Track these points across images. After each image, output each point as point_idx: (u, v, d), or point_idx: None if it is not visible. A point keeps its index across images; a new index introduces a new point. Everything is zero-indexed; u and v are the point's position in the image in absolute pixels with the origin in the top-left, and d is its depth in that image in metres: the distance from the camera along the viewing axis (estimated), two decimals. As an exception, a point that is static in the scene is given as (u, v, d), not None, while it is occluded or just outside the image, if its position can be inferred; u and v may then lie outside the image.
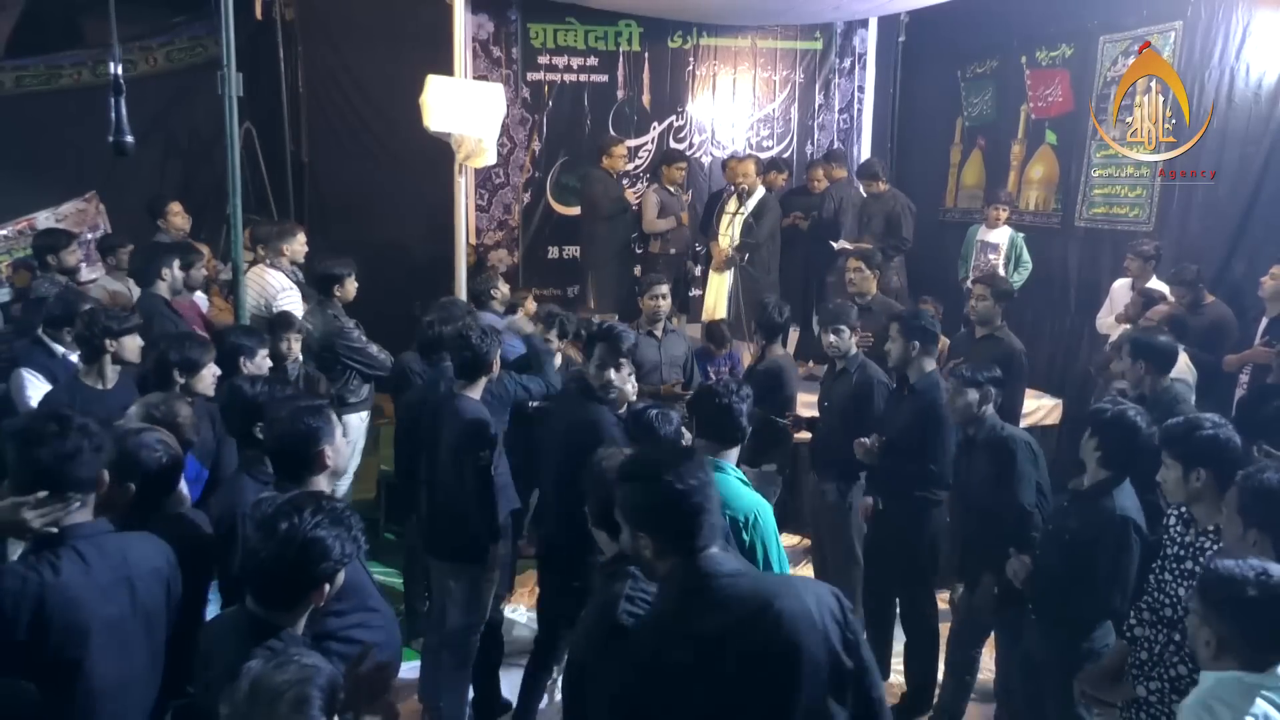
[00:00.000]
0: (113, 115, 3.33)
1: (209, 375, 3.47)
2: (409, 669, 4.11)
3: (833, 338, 4.36)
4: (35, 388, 3.89)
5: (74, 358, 4.10)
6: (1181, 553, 2.78)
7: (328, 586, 1.98)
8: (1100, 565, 2.96)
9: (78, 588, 2.04)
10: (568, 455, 3.26)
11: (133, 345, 3.71)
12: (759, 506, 2.75)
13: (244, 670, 1.62)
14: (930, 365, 3.96)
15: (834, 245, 6.96)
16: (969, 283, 6.77)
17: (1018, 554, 3.23)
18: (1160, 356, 3.94)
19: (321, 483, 2.50)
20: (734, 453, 2.97)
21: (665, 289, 5.31)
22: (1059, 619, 3.09)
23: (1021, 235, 6.98)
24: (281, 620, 1.95)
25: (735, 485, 2.79)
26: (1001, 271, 6.80)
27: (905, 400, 4.01)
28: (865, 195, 7.18)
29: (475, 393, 3.62)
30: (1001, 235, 6.95)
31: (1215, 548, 2.68)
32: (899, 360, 3.99)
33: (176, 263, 4.82)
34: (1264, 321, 4.94)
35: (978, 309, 4.88)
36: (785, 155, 8.15)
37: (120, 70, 3.35)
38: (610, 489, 2.03)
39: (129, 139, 3.40)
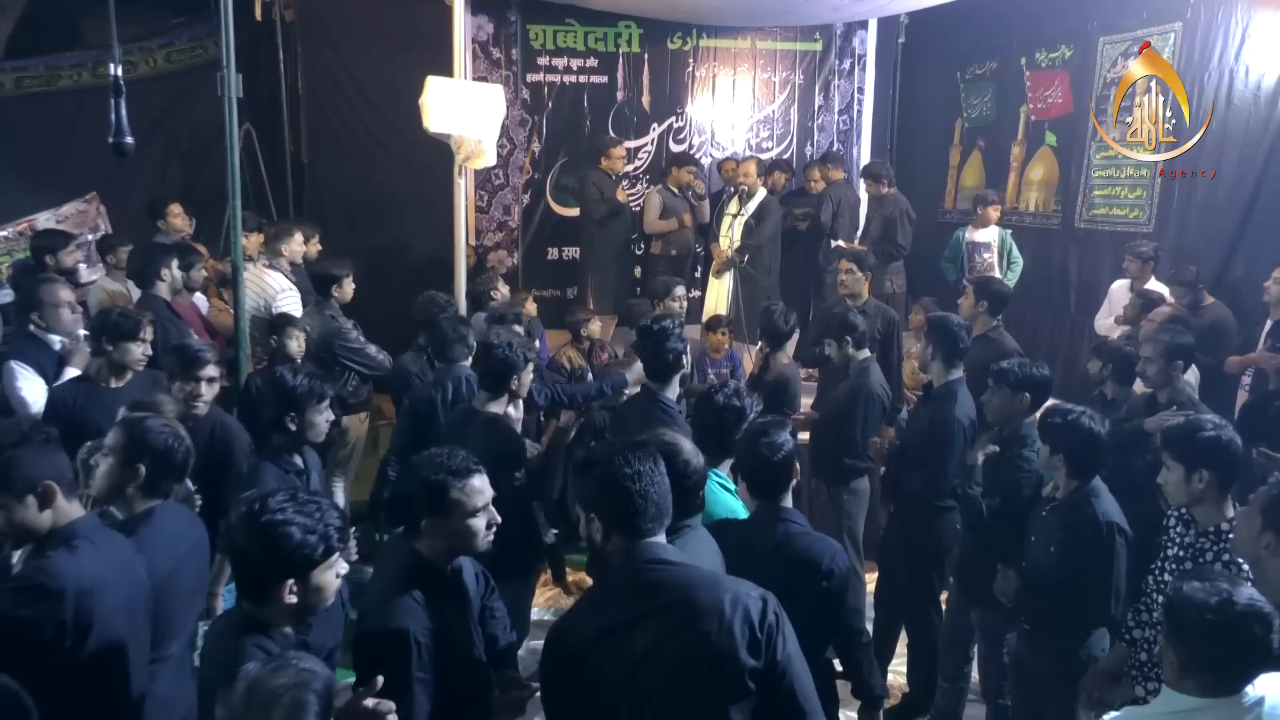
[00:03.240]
0: (113, 117, 3.33)
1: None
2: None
3: (828, 349, 4.40)
4: (24, 379, 3.90)
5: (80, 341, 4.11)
6: (1182, 554, 2.78)
7: (292, 582, 1.91)
8: (1094, 573, 2.96)
9: (104, 573, 2.12)
10: None
11: (135, 351, 3.66)
12: (731, 512, 2.79)
13: (241, 673, 1.63)
14: (953, 374, 3.88)
15: (833, 244, 6.97)
16: (965, 282, 6.80)
17: (1004, 570, 3.21)
18: (1188, 356, 3.99)
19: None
20: (728, 461, 2.97)
21: (682, 291, 5.35)
22: (1053, 628, 3.08)
23: (1009, 232, 6.98)
24: (264, 615, 1.94)
25: (713, 490, 2.82)
26: (996, 271, 6.81)
27: (923, 406, 4.00)
28: (868, 197, 7.18)
29: (499, 407, 3.57)
30: (991, 234, 6.94)
31: (1215, 549, 2.68)
32: (924, 364, 3.98)
33: (175, 263, 4.82)
34: (1268, 325, 4.94)
35: (962, 309, 4.88)
36: (785, 156, 8.15)
37: (120, 72, 3.35)
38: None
39: (129, 140, 3.40)
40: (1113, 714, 2.21)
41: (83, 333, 4.17)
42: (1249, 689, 1.94)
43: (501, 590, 3.50)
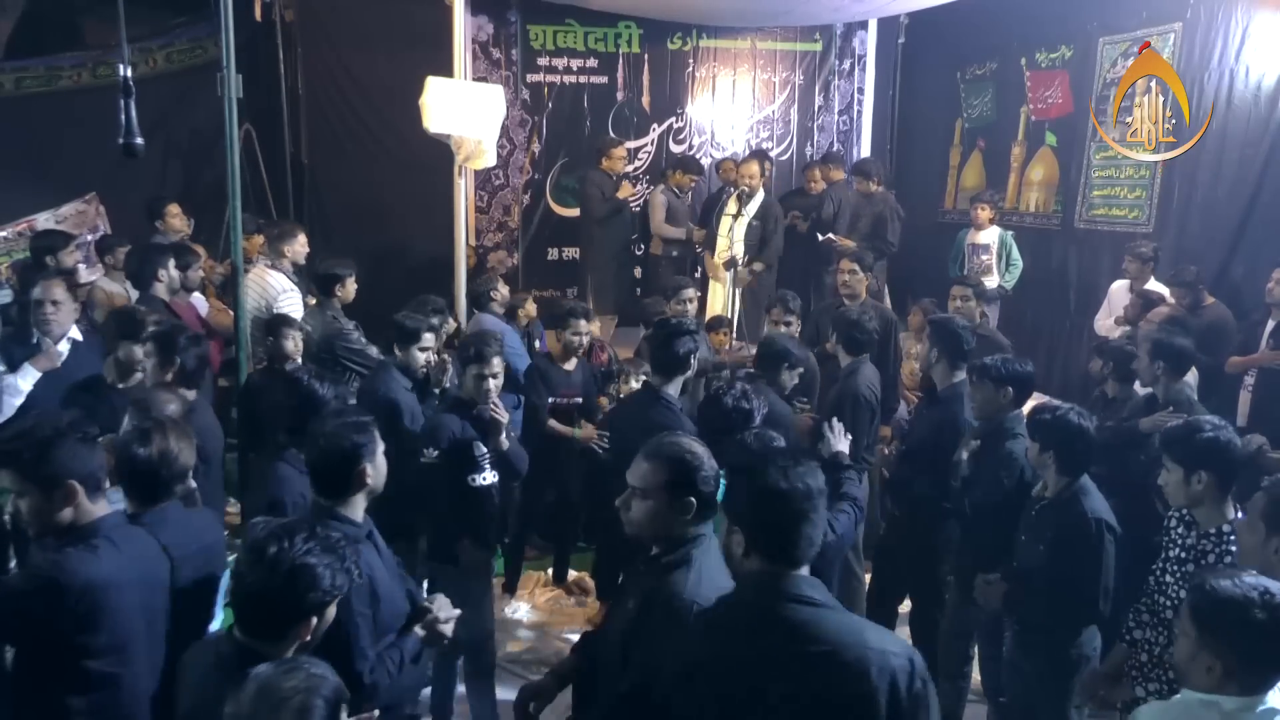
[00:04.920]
0: (122, 117, 3.31)
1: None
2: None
3: (829, 348, 4.41)
4: None
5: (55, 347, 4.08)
6: (1183, 555, 2.78)
7: (315, 620, 1.91)
8: (1083, 571, 2.95)
9: (119, 573, 2.13)
10: None
11: (136, 352, 3.64)
12: None
13: (251, 674, 1.63)
14: (958, 375, 3.85)
15: (820, 238, 6.96)
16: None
17: (984, 576, 3.21)
18: (1178, 359, 3.96)
19: (360, 501, 2.45)
20: None
21: (692, 293, 5.35)
22: (1044, 627, 3.07)
23: (1010, 234, 7.00)
24: (267, 652, 1.86)
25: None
26: (994, 272, 6.82)
27: (928, 409, 3.98)
28: (859, 195, 7.19)
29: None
30: (991, 235, 6.97)
31: (1217, 551, 2.68)
32: (926, 366, 3.97)
33: (172, 263, 4.82)
34: (1270, 325, 4.94)
35: (961, 310, 4.88)
36: (784, 156, 8.16)
37: (129, 73, 3.35)
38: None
39: (139, 141, 3.38)
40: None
41: (77, 336, 4.16)
42: (1269, 695, 1.87)
43: (441, 575, 3.57)
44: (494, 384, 3.61)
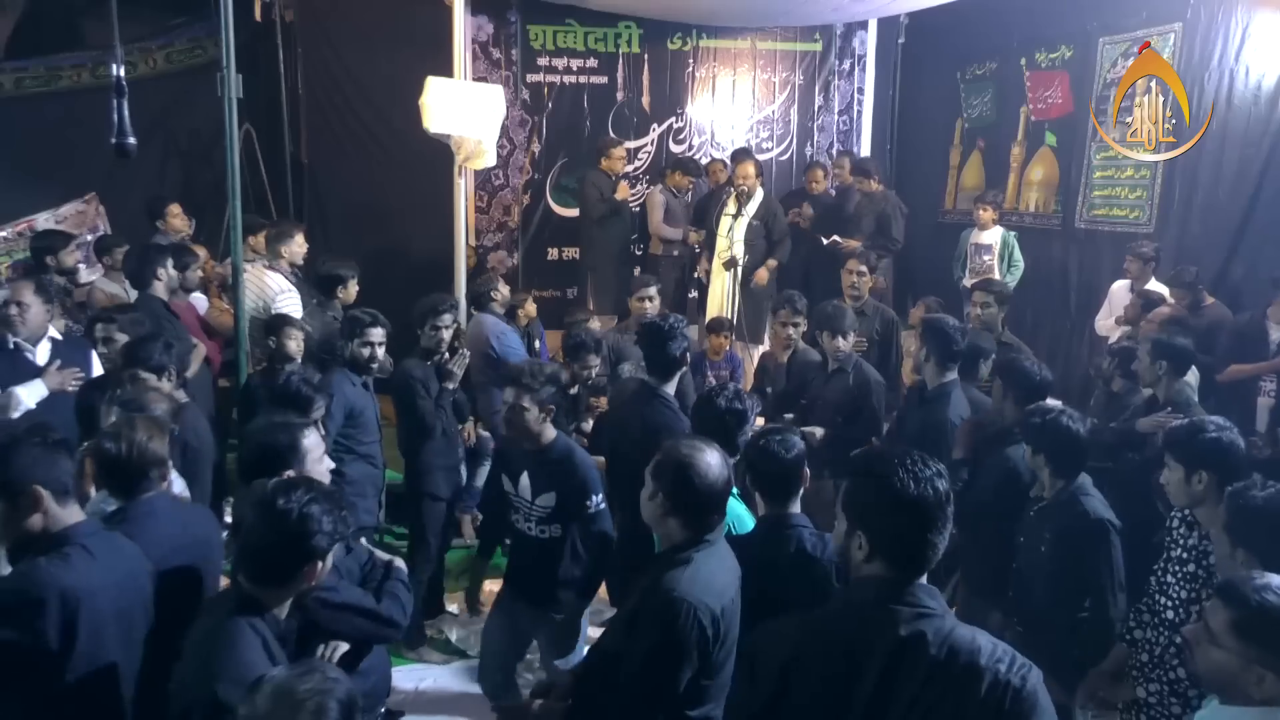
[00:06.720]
0: (115, 117, 3.33)
1: None
2: (406, 674, 4.12)
3: (839, 342, 4.40)
4: None
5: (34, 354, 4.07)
6: (1185, 555, 2.78)
7: (320, 565, 2.05)
8: (1083, 570, 2.95)
9: (94, 582, 2.10)
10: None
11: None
12: (736, 518, 2.75)
13: (266, 677, 1.67)
14: (948, 375, 3.89)
15: (825, 241, 6.96)
16: (965, 283, 6.81)
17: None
18: (1180, 359, 3.96)
19: None
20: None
21: (653, 290, 5.37)
22: (1045, 628, 3.06)
23: (1014, 234, 7.00)
24: (271, 599, 2.03)
25: None
26: (996, 272, 6.82)
27: (917, 409, 4.00)
28: (860, 194, 7.20)
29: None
30: (993, 236, 6.97)
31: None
32: (917, 365, 3.99)
33: (170, 263, 4.82)
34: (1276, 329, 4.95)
35: (983, 316, 4.83)
36: (784, 157, 8.16)
37: (122, 72, 3.35)
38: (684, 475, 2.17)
39: (131, 140, 3.39)
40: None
41: (55, 335, 4.15)
42: None
43: None
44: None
